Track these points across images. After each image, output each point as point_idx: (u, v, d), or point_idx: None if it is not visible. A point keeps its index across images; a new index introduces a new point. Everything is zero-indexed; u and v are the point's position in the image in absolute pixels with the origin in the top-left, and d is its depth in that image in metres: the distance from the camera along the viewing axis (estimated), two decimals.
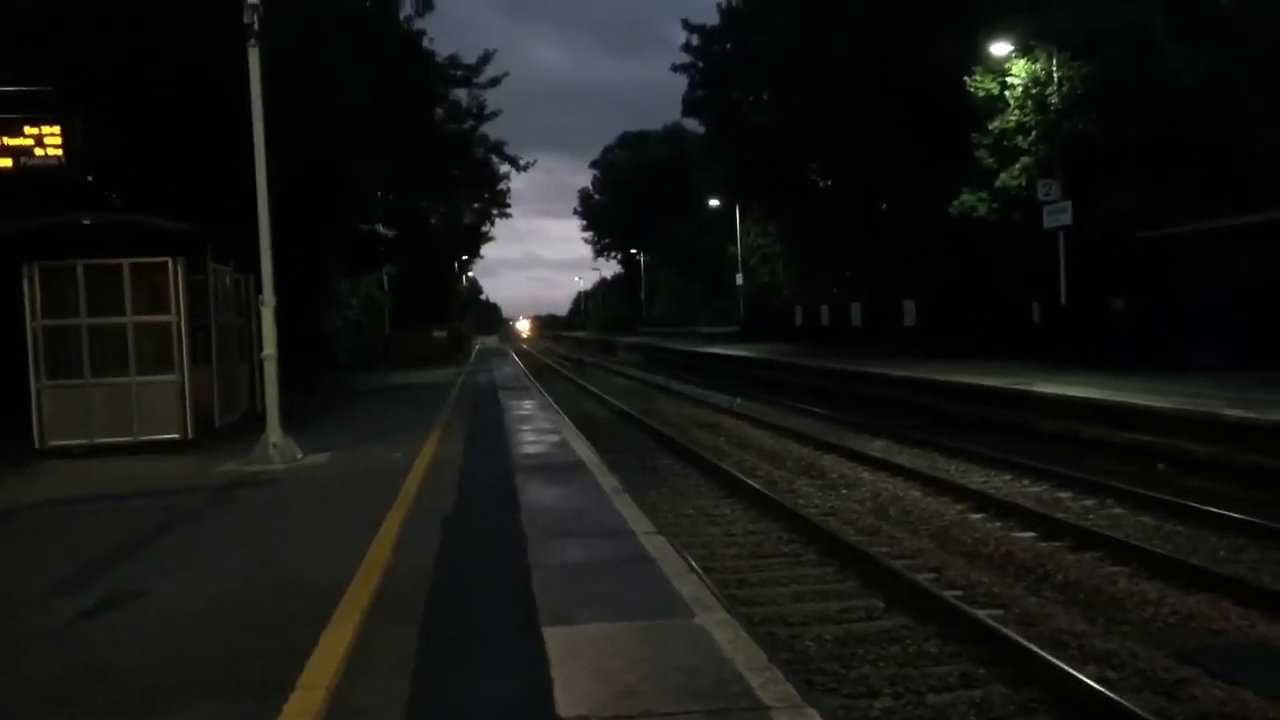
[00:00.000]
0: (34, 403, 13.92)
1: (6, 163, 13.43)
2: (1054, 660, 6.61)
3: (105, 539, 8.50)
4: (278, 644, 5.50)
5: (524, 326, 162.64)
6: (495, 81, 38.26)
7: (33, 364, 13.89)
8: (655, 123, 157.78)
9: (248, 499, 10.50)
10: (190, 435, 14.27)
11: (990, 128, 26.76)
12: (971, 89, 27.07)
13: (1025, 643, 6.97)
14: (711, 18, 49.27)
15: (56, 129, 13.43)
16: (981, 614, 7.74)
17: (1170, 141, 24.10)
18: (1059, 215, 24.74)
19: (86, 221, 14.43)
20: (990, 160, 26.90)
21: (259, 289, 13.37)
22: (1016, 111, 26.27)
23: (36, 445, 13.89)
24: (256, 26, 12.68)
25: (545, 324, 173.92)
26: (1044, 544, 10.28)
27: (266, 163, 12.87)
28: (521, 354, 67.46)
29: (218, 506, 10.07)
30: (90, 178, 14.97)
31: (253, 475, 11.89)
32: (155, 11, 16.59)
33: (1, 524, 9.59)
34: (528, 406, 20.30)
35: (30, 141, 13.40)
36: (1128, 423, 15.33)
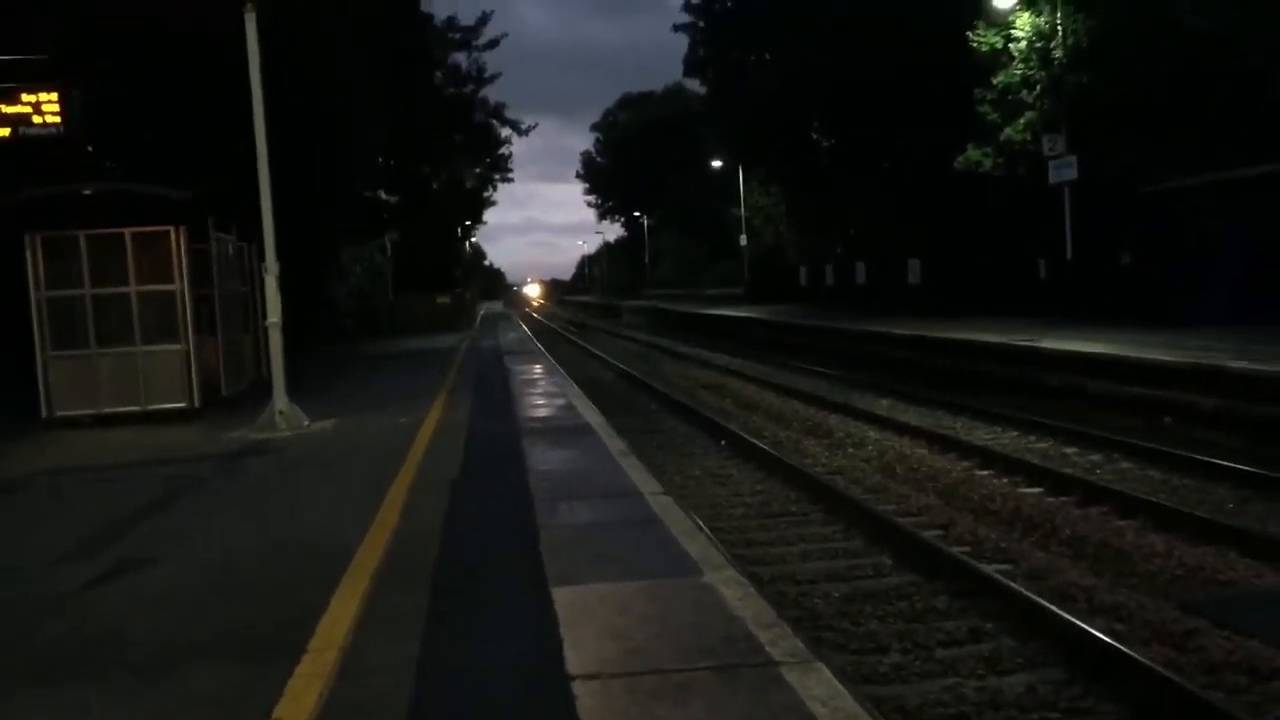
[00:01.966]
0: (40, 373, 13.95)
1: (4, 132, 13.31)
2: (1062, 613, 6.61)
3: (115, 507, 8.54)
4: (288, 608, 5.53)
5: (533, 292, 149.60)
6: (494, 43, 38.09)
7: (38, 335, 13.90)
8: (650, 85, 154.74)
9: (255, 466, 10.54)
10: (197, 404, 14.30)
11: (994, 82, 26.53)
12: (975, 44, 26.81)
13: (1033, 596, 6.98)
14: None
15: (54, 96, 13.28)
16: (989, 569, 7.76)
17: (1178, 92, 23.80)
18: (1064, 170, 24.57)
19: (87, 191, 14.38)
20: (994, 115, 26.70)
21: (262, 257, 13.35)
22: (1020, 65, 26.04)
23: (44, 415, 13.91)
24: None
25: (556, 288, 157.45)
26: (1051, 499, 10.29)
27: (265, 128, 12.79)
28: (525, 319, 67.37)
29: (226, 474, 10.10)
30: (90, 147, 14.87)
31: (260, 443, 11.91)
32: None
33: (12, 493, 9.63)
34: (533, 371, 20.30)
35: (28, 109, 13.26)
36: (1134, 377, 15.29)
